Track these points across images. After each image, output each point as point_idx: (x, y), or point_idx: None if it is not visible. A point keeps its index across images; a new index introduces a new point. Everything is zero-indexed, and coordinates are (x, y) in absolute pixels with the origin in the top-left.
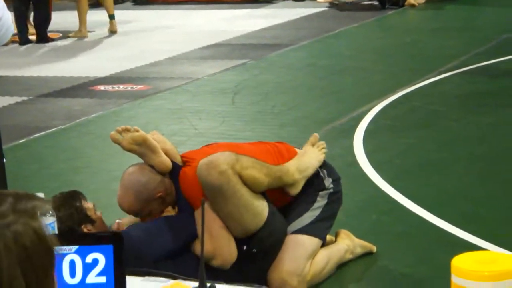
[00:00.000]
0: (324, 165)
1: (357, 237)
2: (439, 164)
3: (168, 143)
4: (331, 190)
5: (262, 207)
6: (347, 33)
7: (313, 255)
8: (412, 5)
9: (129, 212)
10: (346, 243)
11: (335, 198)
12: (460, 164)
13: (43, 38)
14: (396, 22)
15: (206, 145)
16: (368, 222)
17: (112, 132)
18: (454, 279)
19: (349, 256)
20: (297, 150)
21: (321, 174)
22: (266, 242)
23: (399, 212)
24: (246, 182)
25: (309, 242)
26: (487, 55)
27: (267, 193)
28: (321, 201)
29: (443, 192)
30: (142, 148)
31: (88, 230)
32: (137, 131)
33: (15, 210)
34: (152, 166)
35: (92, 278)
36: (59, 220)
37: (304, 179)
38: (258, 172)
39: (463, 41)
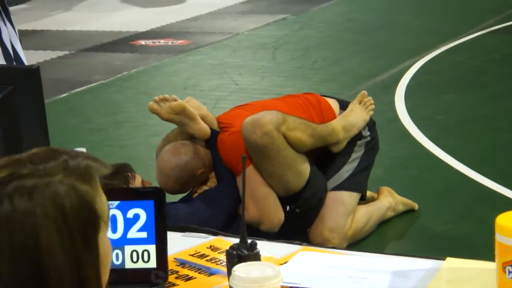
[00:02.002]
0: None
1: (398, 193)
2: (481, 120)
3: (204, 109)
4: (368, 139)
5: (304, 167)
6: None
7: (353, 210)
8: None
9: (173, 193)
10: (388, 201)
11: (371, 146)
12: (502, 121)
13: None
14: None
15: (239, 106)
16: (409, 179)
17: (150, 102)
18: (499, 237)
19: (390, 213)
20: (328, 100)
21: None
22: (310, 202)
23: (440, 169)
24: (290, 143)
25: (349, 197)
26: None
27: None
28: (358, 152)
29: (485, 149)
30: (180, 117)
31: None
32: (175, 100)
33: (67, 168)
34: (191, 135)
35: (133, 233)
36: None
37: (348, 138)
38: (303, 133)
39: None
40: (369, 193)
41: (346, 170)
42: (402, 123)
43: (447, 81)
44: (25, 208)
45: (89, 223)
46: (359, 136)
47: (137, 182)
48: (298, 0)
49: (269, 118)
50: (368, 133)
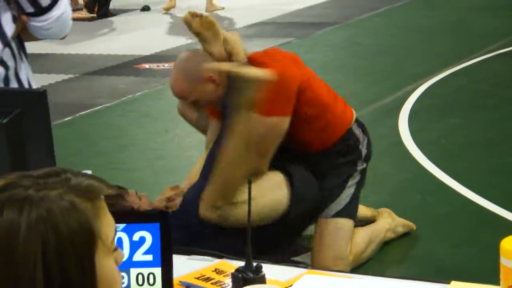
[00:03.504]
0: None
1: (401, 217)
2: (485, 144)
3: (239, 48)
4: (364, 166)
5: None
6: (392, 11)
7: (351, 235)
8: None
9: (180, 96)
10: (388, 222)
11: (364, 173)
12: (506, 145)
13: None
14: (443, 0)
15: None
16: (413, 202)
17: (185, 14)
18: (504, 261)
19: (391, 235)
20: None
21: (360, 146)
22: (297, 221)
23: (444, 193)
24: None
25: (347, 224)
26: None
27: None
28: (356, 177)
29: (489, 173)
30: (208, 33)
31: None
32: (207, 18)
33: (68, 185)
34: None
35: (139, 256)
36: None
37: None
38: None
39: (510, 19)
40: (370, 211)
41: (346, 196)
42: (406, 146)
43: (451, 105)
44: (10, 220)
45: (84, 243)
46: (356, 162)
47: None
48: (303, 24)
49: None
50: (365, 164)
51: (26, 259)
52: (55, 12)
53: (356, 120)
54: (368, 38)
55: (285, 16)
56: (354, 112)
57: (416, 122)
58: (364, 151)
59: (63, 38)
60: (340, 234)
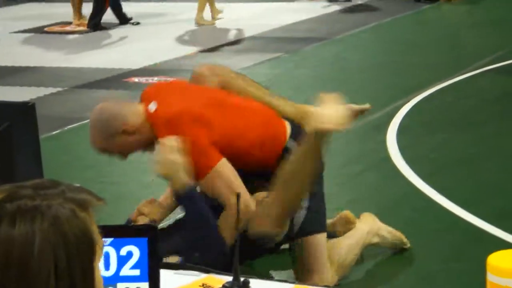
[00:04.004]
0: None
1: None
2: (474, 160)
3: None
4: None
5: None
6: (381, 27)
7: (325, 249)
8: (447, 0)
9: (102, 152)
10: (368, 225)
11: (318, 184)
12: (494, 161)
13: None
14: (431, 16)
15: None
16: (401, 218)
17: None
18: (490, 277)
19: (375, 240)
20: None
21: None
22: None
23: (432, 209)
24: None
25: (322, 239)
26: None
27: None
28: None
29: (477, 189)
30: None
31: None
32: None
33: (65, 197)
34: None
35: (126, 271)
36: None
37: None
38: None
39: (499, 36)
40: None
41: (300, 213)
42: (394, 162)
43: (439, 120)
44: (24, 231)
45: (87, 249)
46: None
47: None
48: (292, 39)
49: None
50: None
51: (41, 270)
52: None
53: (291, 134)
54: (357, 54)
55: (273, 31)
56: (287, 126)
57: (405, 137)
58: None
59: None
60: (319, 251)
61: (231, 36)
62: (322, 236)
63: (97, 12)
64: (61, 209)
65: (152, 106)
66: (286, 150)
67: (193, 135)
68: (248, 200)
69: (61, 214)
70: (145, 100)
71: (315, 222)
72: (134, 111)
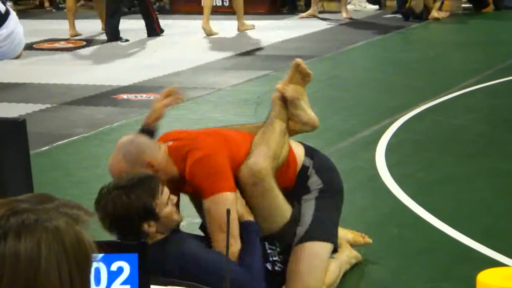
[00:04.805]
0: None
1: (377, 250)
2: (462, 178)
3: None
4: (319, 184)
5: (288, 207)
6: (370, 45)
7: (327, 263)
8: (436, 19)
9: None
10: (347, 254)
11: (325, 191)
12: (483, 179)
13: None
14: (420, 35)
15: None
16: (389, 236)
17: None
18: None
19: (347, 267)
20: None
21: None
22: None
23: (421, 227)
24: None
25: (323, 249)
26: (511, 70)
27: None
28: (313, 193)
29: (465, 207)
30: (300, 102)
31: (150, 227)
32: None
33: (60, 211)
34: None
35: (116, 286)
36: (124, 208)
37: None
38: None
39: (486, 56)
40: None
41: (306, 216)
42: (383, 180)
43: (427, 139)
44: (30, 246)
45: (85, 259)
46: (304, 177)
47: (164, 196)
48: (280, 56)
49: (264, 165)
50: (316, 177)
51: (48, 284)
52: (3, 31)
53: (306, 153)
54: (346, 72)
55: (262, 48)
56: (297, 148)
57: (393, 155)
58: (312, 174)
59: (17, 58)
60: (315, 260)
61: (220, 53)
62: (330, 249)
63: (152, 20)
64: (61, 223)
65: (169, 142)
66: (303, 169)
67: (215, 151)
68: (236, 253)
69: (61, 227)
70: (161, 140)
71: (322, 229)
72: (158, 149)
